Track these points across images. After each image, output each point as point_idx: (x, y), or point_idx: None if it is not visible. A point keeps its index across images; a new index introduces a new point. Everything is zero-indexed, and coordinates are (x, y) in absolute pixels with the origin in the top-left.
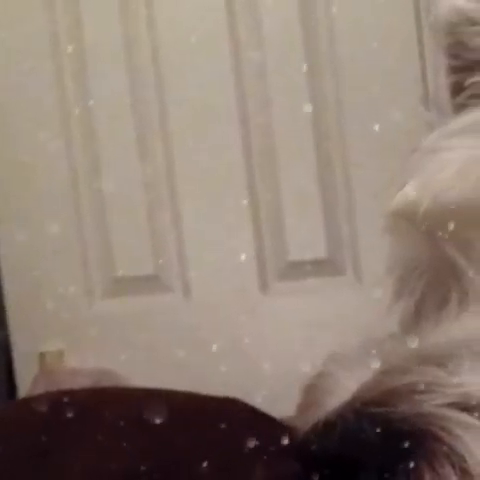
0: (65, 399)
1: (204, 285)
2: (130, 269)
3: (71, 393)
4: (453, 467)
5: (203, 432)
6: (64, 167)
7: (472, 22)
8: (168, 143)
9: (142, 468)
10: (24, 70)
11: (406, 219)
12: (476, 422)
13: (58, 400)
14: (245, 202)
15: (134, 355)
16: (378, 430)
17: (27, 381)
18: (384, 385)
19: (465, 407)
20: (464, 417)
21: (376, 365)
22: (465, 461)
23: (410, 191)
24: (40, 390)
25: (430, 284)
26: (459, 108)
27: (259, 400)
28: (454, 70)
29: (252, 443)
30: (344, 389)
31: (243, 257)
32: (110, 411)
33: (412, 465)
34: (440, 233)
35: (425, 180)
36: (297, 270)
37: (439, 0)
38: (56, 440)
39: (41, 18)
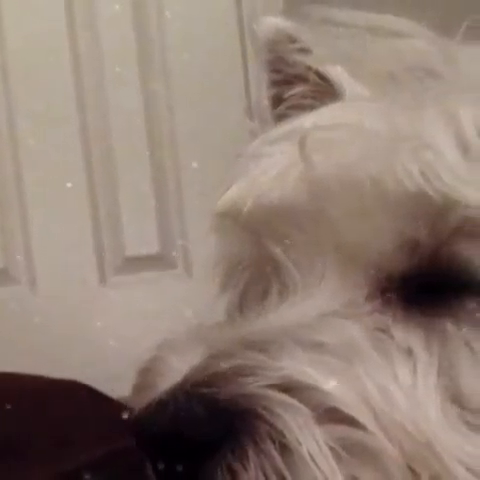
0: None
1: (49, 278)
2: None
3: None
4: (274, 443)
5: (47, 411)
6: None
7: (291, 40)
8: (15, 148)
9: None
10: None
11: (231, 218)
12: (294, 402)
13: None
14: (85, 202)
15: None
16: (206, 409)
17: None
18: (212, 368)
19: (285, 388)
20: (284, 397)
21: (204, 350)
22: (284, 437)
23: (235, 193)
24: None
25: (253, 278)
26: (279, 118)
27: (100, 382)
28: (275, 83)
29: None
30: (175, 372)
31: (84, 252)
32: None
33: (237, 441)
34: (262, 231)
35: (248, 182)
36: (133, 264)
37: (261, 19)
38: None
39: None
